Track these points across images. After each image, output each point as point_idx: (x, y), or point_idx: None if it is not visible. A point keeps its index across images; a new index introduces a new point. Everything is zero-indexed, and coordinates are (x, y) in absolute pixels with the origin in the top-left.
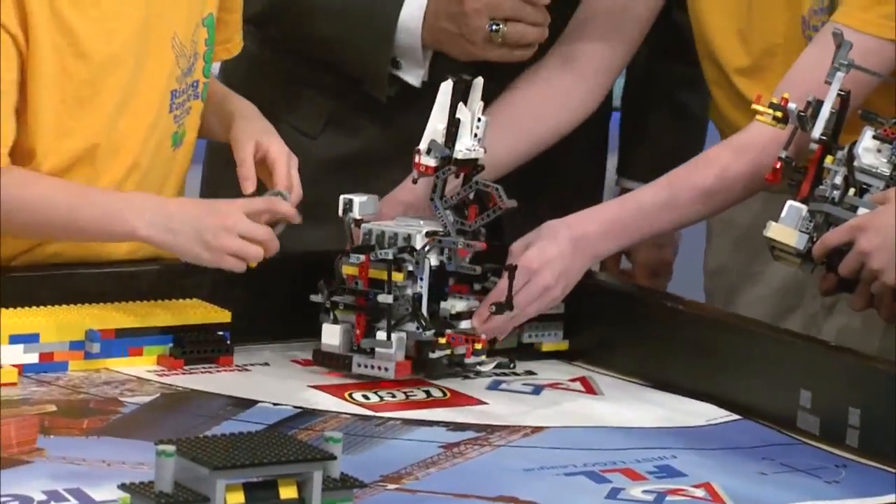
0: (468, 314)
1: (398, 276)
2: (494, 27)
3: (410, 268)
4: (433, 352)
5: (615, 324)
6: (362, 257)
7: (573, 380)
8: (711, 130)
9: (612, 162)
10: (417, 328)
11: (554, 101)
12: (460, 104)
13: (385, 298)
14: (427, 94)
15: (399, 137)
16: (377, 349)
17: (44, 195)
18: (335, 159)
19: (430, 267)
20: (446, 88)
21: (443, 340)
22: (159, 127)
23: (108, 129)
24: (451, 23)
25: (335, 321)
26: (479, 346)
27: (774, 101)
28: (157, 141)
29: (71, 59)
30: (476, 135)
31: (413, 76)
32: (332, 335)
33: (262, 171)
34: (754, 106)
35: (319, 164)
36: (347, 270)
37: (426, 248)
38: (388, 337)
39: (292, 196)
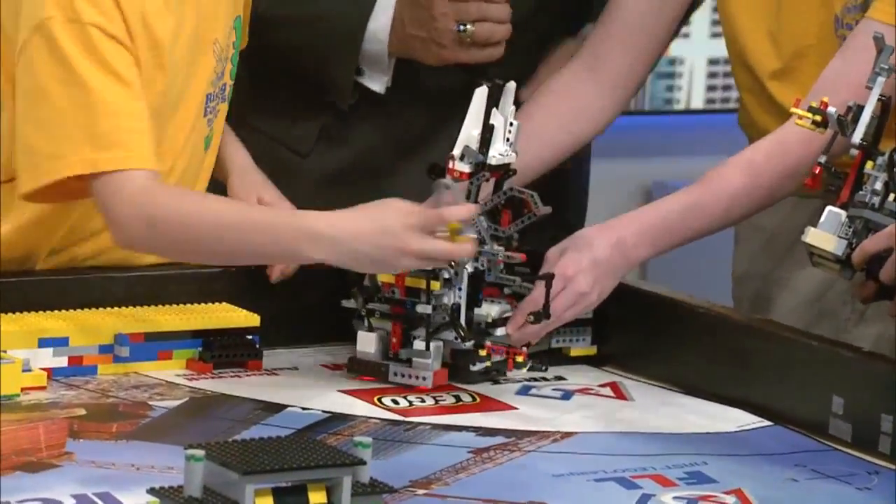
0: (503, 321)
1: (436, 285)
2: (462, 28)
3: (447, 275)
4: (473, 364)
5: (644, 329)
6: None
7: (603, 385)
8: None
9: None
10: (455, 338)
11: (576, 109)
12: (493, 109)
13: (424, 308)
14: (410, 101)
15: (392, 146)
16: (414, 358)
17: (213, 211)
18: (329, 175)
19: (468, 276)
20: (480, 93)
21: (483, 352)
22: (196, 131)
23: (159, 135)
24: (420, 29)
25: (370, 329)
26: (520, 359)
27: (814, 104)
28: (193, 144)
29: (153, 71)
30: (508, 139)
31: (377, 83)
32: (367, 343)
33: None
34: (793, 109)
35: (313, 181)
36: (383, 278)
37: (464, 259)
38: (427, 347)
39: None
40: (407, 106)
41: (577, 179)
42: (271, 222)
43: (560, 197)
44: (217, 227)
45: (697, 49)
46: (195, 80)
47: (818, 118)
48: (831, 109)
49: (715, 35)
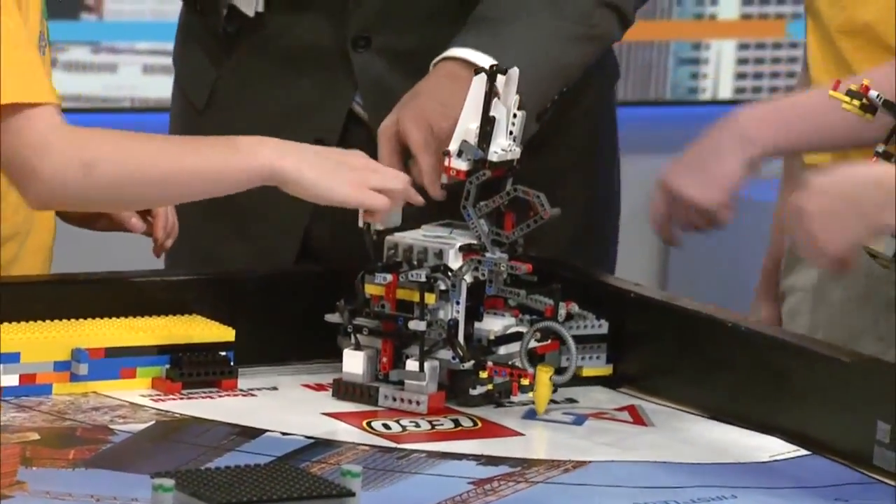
0: (507, 338)
1: (431, 298)
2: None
3: (443, 287)
4: (473, 388)
5: (666, 346)
6: (389, 276)
7: (620, 409)
8: None
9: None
10: (453, 357)
11: None
12: (495, 100)
13: (417, 325)
14: (299, 60)
15: (284, 111)
16: (407, 380)
17: (156, 147)
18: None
19: (466, 287)
20: (479, 82)
21: (484, 374)
22: None
23: None
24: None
25: (357, 347)
26: (525, 382)
27: (853, 87)
28: None
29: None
30: (511, 132)
31: (246, 3)
32: (354, 363)
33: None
34: (831, 93)
35: None
36: (371, 290)
37: (463, 269)
38: (421, 368)
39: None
40: (304, 62)
41: (607, 178)
42: (212, 140)
43: (589, 198)
44: (160, 154)
45: (725, 32)
46: (31, 13)
47: (857, 102)
48: (873, 93)
49: (745, 16)
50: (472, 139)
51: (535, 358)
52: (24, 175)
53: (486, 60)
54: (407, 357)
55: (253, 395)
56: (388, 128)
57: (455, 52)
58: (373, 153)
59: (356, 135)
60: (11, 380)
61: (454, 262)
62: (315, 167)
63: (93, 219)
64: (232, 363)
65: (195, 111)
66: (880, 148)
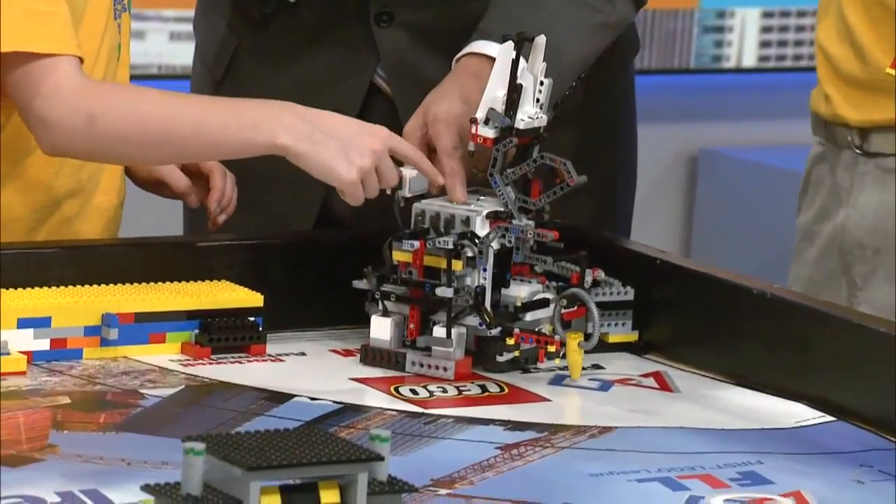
0: (534, 304)
1: (458, 265)
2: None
3: (470, 253)
4: (500, 354)
5: (692, 313)
6: (416, 243)
7: (646, 375)
8: None
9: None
10: (480, 324)
11: None
12: (522, 67)
13: (445, 292)
14: (322, 33)
15: (304, 83)
16: (434, 346)
17: (166, 105)
18: None
19: (493, 254)
20: (506, 50)
21: (511, 340)
22: (109, 34)
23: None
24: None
25: (385, 313)
26: (552, 349)
27: None
28: (109, 50)
29: None
30: (538, 100)
31: None
32: (382, 329)
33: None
34: (888, 70)
35: None
36: (399, 257)
37: (490, 236)
38: (449, 334)
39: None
40: (318, 40)
41: (625, 153)
42: (229, 104)
43: (607, 175)
44: (170, 118)
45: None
46: None
47: None
48: None
49: None
50: (500, 107)
51: (562, 324)
52: (35, 122)
53: None
54: (434, 323)
55: (281, 360)
56: (413, 130)
57: (479, 46)
58: (391, 124)
59: (377, 105)
60: (42, 344)
61: (481, 229)
62: (318, 146)
63: (156, 185)
64: (260, 328)
65: (213, 81)
66: None
